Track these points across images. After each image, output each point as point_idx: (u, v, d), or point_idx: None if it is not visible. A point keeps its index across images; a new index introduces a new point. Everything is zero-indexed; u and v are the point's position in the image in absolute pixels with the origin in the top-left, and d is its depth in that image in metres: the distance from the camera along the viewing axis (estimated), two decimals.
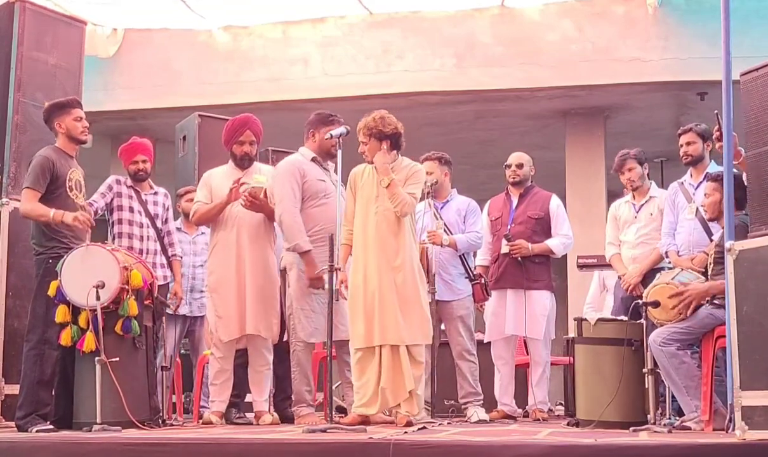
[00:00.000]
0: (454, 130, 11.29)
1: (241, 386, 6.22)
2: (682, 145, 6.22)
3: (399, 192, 5.51)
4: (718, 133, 5.02)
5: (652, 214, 6.48)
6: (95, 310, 5.22)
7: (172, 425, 5.89)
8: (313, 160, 6.07)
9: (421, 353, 5.54)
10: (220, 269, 6.09)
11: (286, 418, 6.10)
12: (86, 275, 5.26)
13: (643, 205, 6.55)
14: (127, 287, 5.40)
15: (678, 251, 6.08)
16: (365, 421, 5.38)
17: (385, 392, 5.40)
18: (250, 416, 6.25)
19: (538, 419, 6.65)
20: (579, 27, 9.79)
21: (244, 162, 6.21)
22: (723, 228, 5.19)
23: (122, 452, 4.42)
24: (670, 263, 6.14)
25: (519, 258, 6.73)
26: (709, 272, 5.40)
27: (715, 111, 5.06)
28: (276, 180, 5.99)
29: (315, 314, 5.87)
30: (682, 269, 5.65)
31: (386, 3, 9.93)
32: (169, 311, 6.54)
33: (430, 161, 6.76)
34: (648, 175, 6.63)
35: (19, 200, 5.60)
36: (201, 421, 6.11)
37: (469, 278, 6.64)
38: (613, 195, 9.35)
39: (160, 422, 5.67)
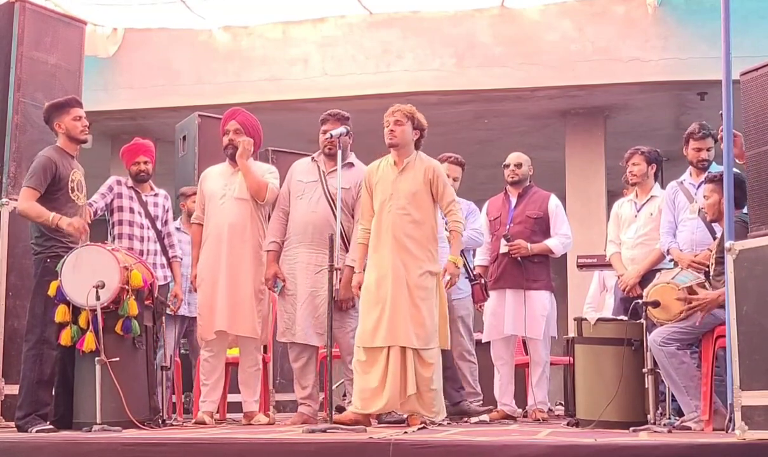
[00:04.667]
0: (453, 130, 11.28)
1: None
2: (701, 150, 6.10)
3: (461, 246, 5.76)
4: (722, 134, 5.02)
5: (651, 214, 6.45)
6: (95, 310, 5.21)
7: (172, 425, 5.89)
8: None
9: (431, 356, 5.42)
10: (202, 268, 6.09)
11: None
12: (86, 275, 5.25)
13: (644, 204, 6.53)
14: (127, 287, 5.40)
15: (680, 249, 6.05)
16: (364, 420, 5.34)
17: (389, 394, 5.31)
18: (238, 416, 6.26)
19: (538, 419, 6.64)
20: (579, 27, 9.79)
21: (227, 152, 6.18)
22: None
23: (122, 452, 4.42)
24: (670, 261, 6.13)
25: (518, 258, 6.72)
26: (711, 273, 5.39)
27: (720, 112, 5.05)
28: None
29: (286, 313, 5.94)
30: (681, 269, 5.65)
31: (386, 3, 9.93)
32: (168, 311, 6.54)
33: (455, 165, 6.81)
34: (656, 177, 6.60)
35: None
36: (193, 421, 6.09)
37: (468, 278, 6.64)
38: (613, 195, 9.35)
39: (160, 422, 5.67)
